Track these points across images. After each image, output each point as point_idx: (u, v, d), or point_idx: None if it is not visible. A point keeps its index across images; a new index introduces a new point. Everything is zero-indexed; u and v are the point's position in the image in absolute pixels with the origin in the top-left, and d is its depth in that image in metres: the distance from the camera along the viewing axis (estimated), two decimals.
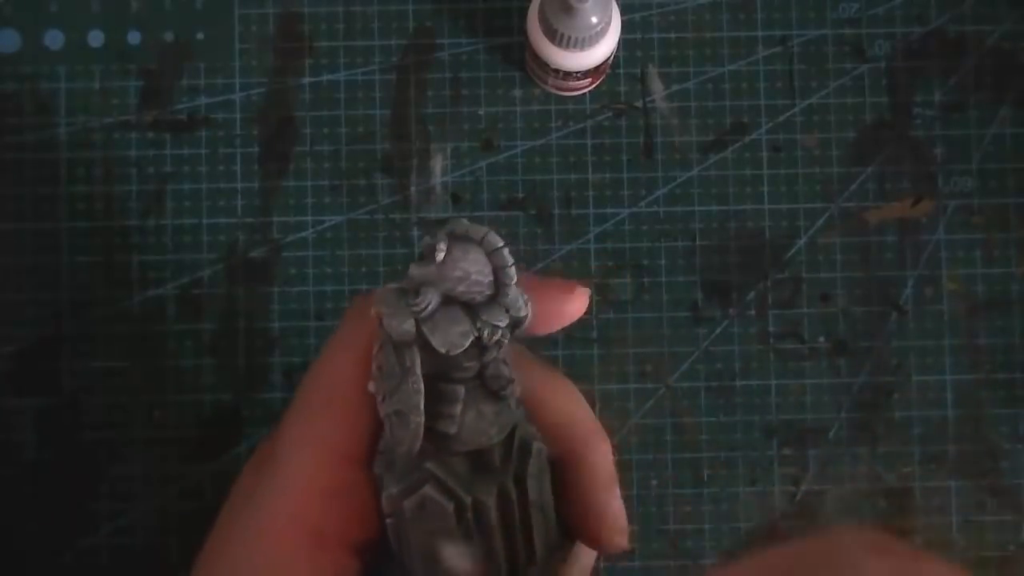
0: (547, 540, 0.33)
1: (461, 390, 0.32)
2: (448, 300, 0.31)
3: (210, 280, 0.58)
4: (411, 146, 0.59)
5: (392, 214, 0.58)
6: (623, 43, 0.58)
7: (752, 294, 0.59)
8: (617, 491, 0.35)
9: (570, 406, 0.35)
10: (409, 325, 0.31)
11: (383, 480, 0.33)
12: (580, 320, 0.58)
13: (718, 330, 0.58)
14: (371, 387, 0.32)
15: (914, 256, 0.59)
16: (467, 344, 0.31)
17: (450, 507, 0.32)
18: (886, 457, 0.58)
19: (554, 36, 0.52)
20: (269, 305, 0.58)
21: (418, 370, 0.31)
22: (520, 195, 0.59)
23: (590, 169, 0.59)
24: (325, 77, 0.59)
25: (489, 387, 0.32)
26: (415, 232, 0.58)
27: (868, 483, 0.58)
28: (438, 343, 0.31)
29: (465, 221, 0.32)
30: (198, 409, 0.58)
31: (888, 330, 0.59)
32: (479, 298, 0.31)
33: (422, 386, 0.31)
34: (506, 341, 0.32)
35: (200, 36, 0.59)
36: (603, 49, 0.54)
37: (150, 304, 0.58)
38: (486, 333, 0.31)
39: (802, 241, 0.59)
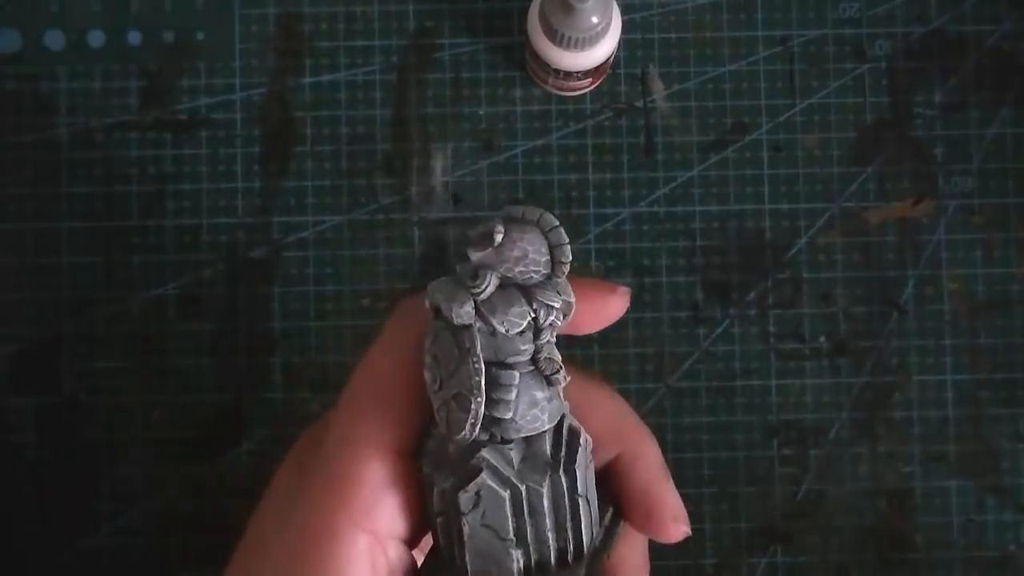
0: (591, 532, 0.34)
1: (516, 375, 0.32)
2: (504, 284, 0.32)
3: (210, 280, 0.58)
4: (411, 146, 0.59)
5: (392, 214, 0.58)
6: (623, 43, 0.58)
7: (752, 294, 0.59)
8: (666, 480, 0.36)
9: (618, 407, 0.36)
10: (469, 307, 0.32)
11: (433, 478, 0.33)
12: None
13: (718, 330, 0.58)
14: (426, 375, 0.33)
15: (914, 256, 0.59)
16: (524, 324, 0.32)
17: (506, 494, 0.33)
18: (886, 457, 0.58)
19: (554, 36, 0.52)
20: (269, 305, 0.58)
21: (479, 351, 0.32)
22: (520, 195, 0.59)
23: (590, 169, 0.59)
24: (325, 77, 0.59)
25: (542, 371, 0.33)
26: (415, 232, 0.58)
27: (868, 483, 0.58)
28: (498, 322, 0.32)
29: (517, 207, 0.33)
30: (198, 409, 0.58)
31: (888, 330, 0.59)
32: (535, 278, 0.33)
33: (483, 366, 0.32)
34: (559, 323, 0.33)
35: (200, 36, 0.59)
36: (603, 49, 0.54)
37: (150, 304, 0.58)
38: (542, 314, 0.32)
39: (802, 241, 0.59)
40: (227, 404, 0.58)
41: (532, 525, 0.33)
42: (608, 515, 0.36)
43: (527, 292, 0.33)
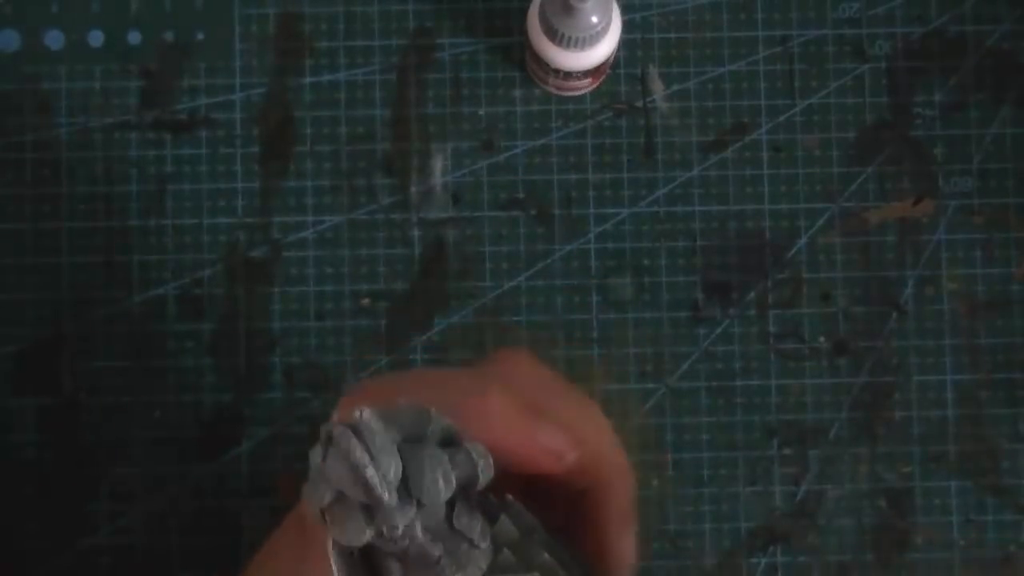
0: None
1: (396, 568, 0.30)
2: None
3: (210, 280, 0.58)
4: (411, 146, 0.59)
5: (392, 214, 0.58)
6: (623, 43, 0.58)
7: (752, 294, 0.59)
8: (628, 529, 0.36)
9: (600, 445, 0.35)
10: (317, 509, 0.29)
11: None
12: (580, 320, 0.58)
13: (718, 330, 0.58)
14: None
15: (914, 256, 0.59)
16: (365, 540, 0.28)
17: None
18: (886, 457, 0.58)
19: (554, 36, 0.52)
20: (269, 305, 0.58)
21: (331, 559, 0.29)
22: (520, 195, 0.59)
23: (590, 169, 0.59)
24: (325, 77, 0.59)
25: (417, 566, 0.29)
26: (415, 232, 0.58)
27: (868, 483, 0.58)
28: (336, 537, 0.29)
29: (364, 413, 0.28)
30: (198, 409, 0.58)
31: (888, 330, 0.59)
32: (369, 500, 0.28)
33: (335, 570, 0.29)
34: (419, 535, 0.29)
35: (200, 36, 0.59)
36: (603, 49, 0.54)
37: (150, 304, 0.58)
38: (385, 530, 0.28)
39: (802, 241, 0.59)
40: (227, 404, 0.58)
41: None
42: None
43: (369, 509, 0.29)
